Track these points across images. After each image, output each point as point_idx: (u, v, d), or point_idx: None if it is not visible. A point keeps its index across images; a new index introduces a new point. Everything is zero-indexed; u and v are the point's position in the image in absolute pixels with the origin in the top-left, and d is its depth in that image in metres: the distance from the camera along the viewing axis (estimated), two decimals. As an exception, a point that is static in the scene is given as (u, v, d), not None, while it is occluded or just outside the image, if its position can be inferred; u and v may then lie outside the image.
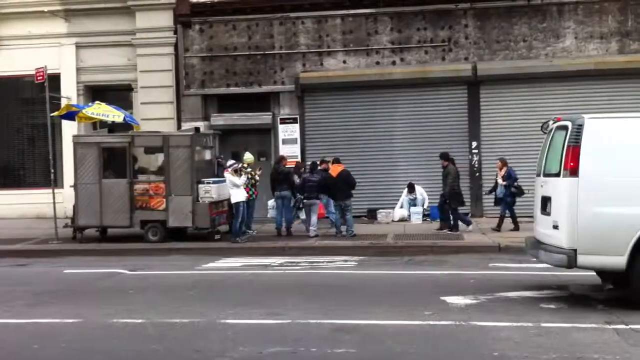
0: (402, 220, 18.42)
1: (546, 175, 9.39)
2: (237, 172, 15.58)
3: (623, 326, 7.74)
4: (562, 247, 8.61)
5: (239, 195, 15.49)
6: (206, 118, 19.98)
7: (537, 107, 18.79)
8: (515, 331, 7.60)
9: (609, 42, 18.74)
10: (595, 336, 7.38)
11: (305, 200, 16.15)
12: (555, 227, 8.77)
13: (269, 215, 17.78)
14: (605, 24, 18.71)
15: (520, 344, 7.11)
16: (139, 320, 8.40)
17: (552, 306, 8.87)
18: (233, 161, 16.19)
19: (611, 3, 18.69)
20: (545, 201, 9.20)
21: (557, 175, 8.85)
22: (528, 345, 7.07)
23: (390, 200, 19.13)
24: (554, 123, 9.60)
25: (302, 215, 16.81)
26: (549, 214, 9.03)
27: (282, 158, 17.35)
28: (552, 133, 9.48)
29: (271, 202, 17.54)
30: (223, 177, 15.97)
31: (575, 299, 9.32)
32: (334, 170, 16.18)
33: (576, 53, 18.80)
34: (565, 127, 8.94)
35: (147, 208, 15.62)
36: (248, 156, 16.66)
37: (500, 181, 16.53)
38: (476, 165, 19.06)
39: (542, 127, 10.14)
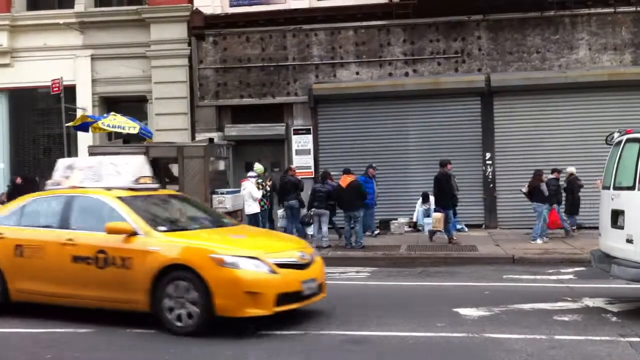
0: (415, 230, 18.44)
1: (617, 188, 9.29)
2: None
3: (637, 339, 7.69)
4: (637, 262, 8.50)
5: (254, 207, 15.79)
6: (220, 129, 20.08)
7: (551, 118, 18.79)
8: (528, 343, 7.56)
9: (622, 54, 18.68)
10: (609, 349, 7.33)
11: (314, 210, 16.16)
12: (630, 241, 8.65)
13: (279, 225, 17.85)
14: (619, 35, 18.66)
15: (533, 357, 7.08)
16: (153, 331, 8.42)
17: (566, 318, 8.82)
18: (254, 173, 16.32)
19: (625, 14, 18.64)
20: (617, 214, 9.10)
21: (631, 188, 8.78)
22: (541, 358, 7.04)
23: (403, 211, 19.11)
24: (621, 135, 9.55)
25: (310, 231, 16.73)
26: (621, 228, 8.89)
27: (290, 168, 17.45)
28: (621, 145, 9.40)
29: (281, 212, 17.60)
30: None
31: (589, 311, 9.26)
32: (344, 180, 16.20)
33: (590, 64, 18.75)
34: (638, 140, 8.90)
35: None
36: (258, 167, 16.73)
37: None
38: (490, 177, 19.00)
39: (606, 139, 10.10)
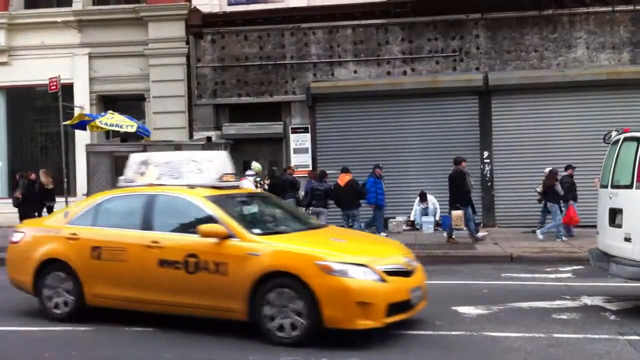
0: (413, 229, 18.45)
1: (615, 186, 9.29)
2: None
3: (636, 337, 7.71)
4: (635, 260, 8.51)
5: None
6: (218, 128, 20.07)
7: (549, 117, 18.79)
8: (527, 342, 7.57)
9: (620, 52, 18.70)
10: (608, 347, 7.34)
11: (312, 208, 16.15)
12: (628, 239, 8.65)
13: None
14: (617, 34, 18.68)
15: (532, 355, 7.09)
16: (150, 329, 8.42)
17: (564, 317, 8.82)
18: (252, 172, 16.31)
19: (623, 13, 18.66)
20: (615, 213, 9.11)
21: (629, 187, 8.78)
22: (540, 356, 7.04)
23: (401, 210, 19.12)
24: (619, 134, 9.56)
25: None
26: (619, 226, 8.90)
27: (289, 167, 17.46)
28: (619, 144, 9.41)
29: None
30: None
31: (588, 310, 9.27)
32: (342, 179, 16.20)
33: (588, 63, 18.77)
34: (635, 139, 8.90)
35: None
36: (256, 165, 16.73)
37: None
38: (488, 175, 19.01)
39: (604, 137, 10.12)
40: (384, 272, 7.51)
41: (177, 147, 16.03)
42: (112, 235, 8.66)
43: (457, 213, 15.92)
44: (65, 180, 16.88)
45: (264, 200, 9.96)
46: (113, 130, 17.53)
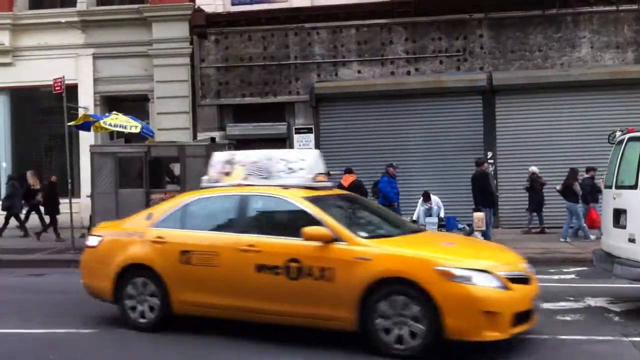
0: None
1: (619, 187, 9.26)
2: None
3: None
4: (639, 261, 8.51)
5: None
6: (222, 128, 20.08)
7: (553, 117, 18.77)
8: (531, 343, 7.55)
9: (625, 52, 18.66)
10: (612, 349, 7.34)
11: None
12: (632, 240, 8.62)
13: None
14: (621, 33, 18.64)
15: (536, 356, 7.07)
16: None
17: (568, 318, 8.81)
18: None
19: (627, 12, 18.61)
20: (619, 214, 9.08)
21: (633, 187, 8.75)
22: (544, 358, 7.03)
23: (404, 210, 19.06)
24: (624, 134, 9.52)
25: None
26: (623, 227, 8.87)
27: None
28: (623, 144, 9.38)
29: None
30: None
31: (592, 311, 9.25)
32: (346, 180, 16.17)
33: (592, 63, 18.73)
34: None
35: (162, 218, 15.62)
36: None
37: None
38: (492, 175, 18.96)
39: (608, 138, 10.09)
40: (507, 278, 7.04)
41: (181, 148, 16.04)
42: (203, 239, 8.16)
43: (479, 215, 15.86)
44: (70, 181, 16.88)
45: (354, 201, 9.25)
46: (117, 131, 17.52)
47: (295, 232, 7.58)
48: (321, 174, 8.73)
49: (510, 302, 6.96)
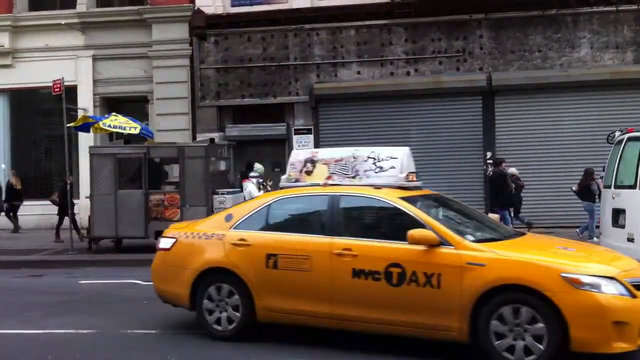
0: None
1: (618, 187, 9.23)
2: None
3: (640, 338, 7.62)
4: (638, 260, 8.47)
5: None
6: (221, 129, 20.07)
7: (553, 117, 18.74)
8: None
9: (624, 52, 18.64)
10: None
11: None
12: (630, 239, 8.60)
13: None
14: (621, 33, 18.63)
15: (541, 357, 7.03)
16: (154, 331, 8.42)
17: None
18: (256, 173, 16.27)
19: (627, 13, 18.60)
20: (618, 213, 9.05)
21: (632, 187, 8.71)
22: (549, 358, 6.99)
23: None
24: (623, 134, 9.49)
25: None
26: (622, 227, 8.86)
27: None
28: (622, 144, 9.35)
29: None
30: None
31: None
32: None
33: (592, 63, 18.71)
34: (639, 139, 8.84)
35: (162, 219, 15.64)
36: (258, 166, 16.71)
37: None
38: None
39: (608, 138, 10.07)
40: (633, 285, 6.57)
41: (181, 149, 16.05)
42: (291, 242, 7.65)
43: (494, 216, 15.76)
44: (69, 182, 16.89)
45: (444, 202, 8.59)
46: (116, 132, 17.53)
47: (394, 235, 7.22)
48: (412, 172, 8.30)
49: (637, 311, 6.50)
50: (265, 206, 8.11)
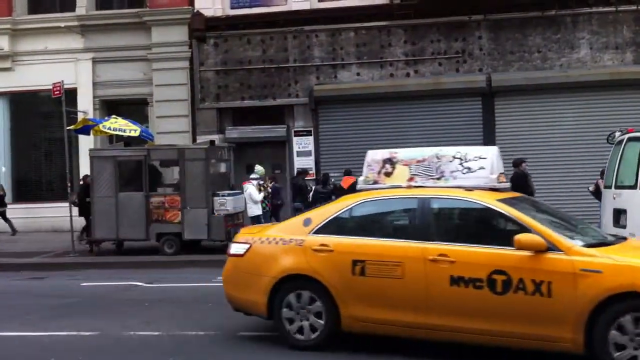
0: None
1: (618, 187, 9.23)
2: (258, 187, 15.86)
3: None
4: None
5: (255, 209, 15.76)
6: (221, 131, 20.07)
7: (552, 118, 18.74)
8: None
9: (624, 53, 18.67)
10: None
11: (296, 203, 16.25)
12: None
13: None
14: (620, 34, 18.65)
15: (545, 357, 7.05)
16: (156, 333, 8.42)
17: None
18: (256, 175, 16.31)
19: (626, 13, 18.62)
20: (619, 213, 9.06)
21: (633, 187, 8.71)
22: (546, 356, 7.01)
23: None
24: (623, 134, 9.50)
25: None
26: (623, 227, 8.86)
27: (304, 171, 17.60)
28: (623, 144, 9.36)
29: None
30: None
31: None
32: (345, 182, 16.19)
33: (591, 64, 18.73)
34: (639, 139, 8.84)
35: (162, 221, 15.69)
36: (259, 168, 16.74)
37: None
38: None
39: (608, 138, 10.07)
40: None
41: (181, 151, 16.06)
42: (379, 247, 7.24)
43: None
44: (69, 185, 16.88)
45: (534, 204, 8.02)
46: (116, 135, 17.53)
47: (493, 240, 6.87)
48: (502, 173, 7.84)
49: None
50: (347, 209, 7.75)
